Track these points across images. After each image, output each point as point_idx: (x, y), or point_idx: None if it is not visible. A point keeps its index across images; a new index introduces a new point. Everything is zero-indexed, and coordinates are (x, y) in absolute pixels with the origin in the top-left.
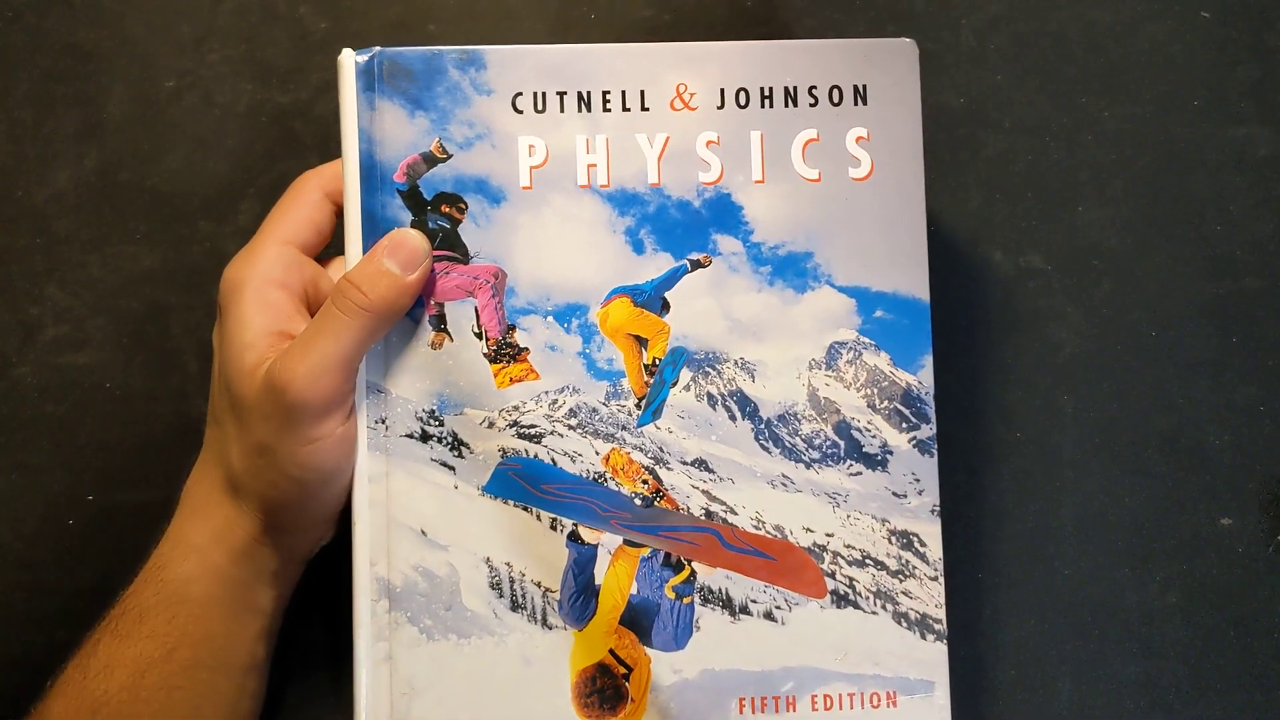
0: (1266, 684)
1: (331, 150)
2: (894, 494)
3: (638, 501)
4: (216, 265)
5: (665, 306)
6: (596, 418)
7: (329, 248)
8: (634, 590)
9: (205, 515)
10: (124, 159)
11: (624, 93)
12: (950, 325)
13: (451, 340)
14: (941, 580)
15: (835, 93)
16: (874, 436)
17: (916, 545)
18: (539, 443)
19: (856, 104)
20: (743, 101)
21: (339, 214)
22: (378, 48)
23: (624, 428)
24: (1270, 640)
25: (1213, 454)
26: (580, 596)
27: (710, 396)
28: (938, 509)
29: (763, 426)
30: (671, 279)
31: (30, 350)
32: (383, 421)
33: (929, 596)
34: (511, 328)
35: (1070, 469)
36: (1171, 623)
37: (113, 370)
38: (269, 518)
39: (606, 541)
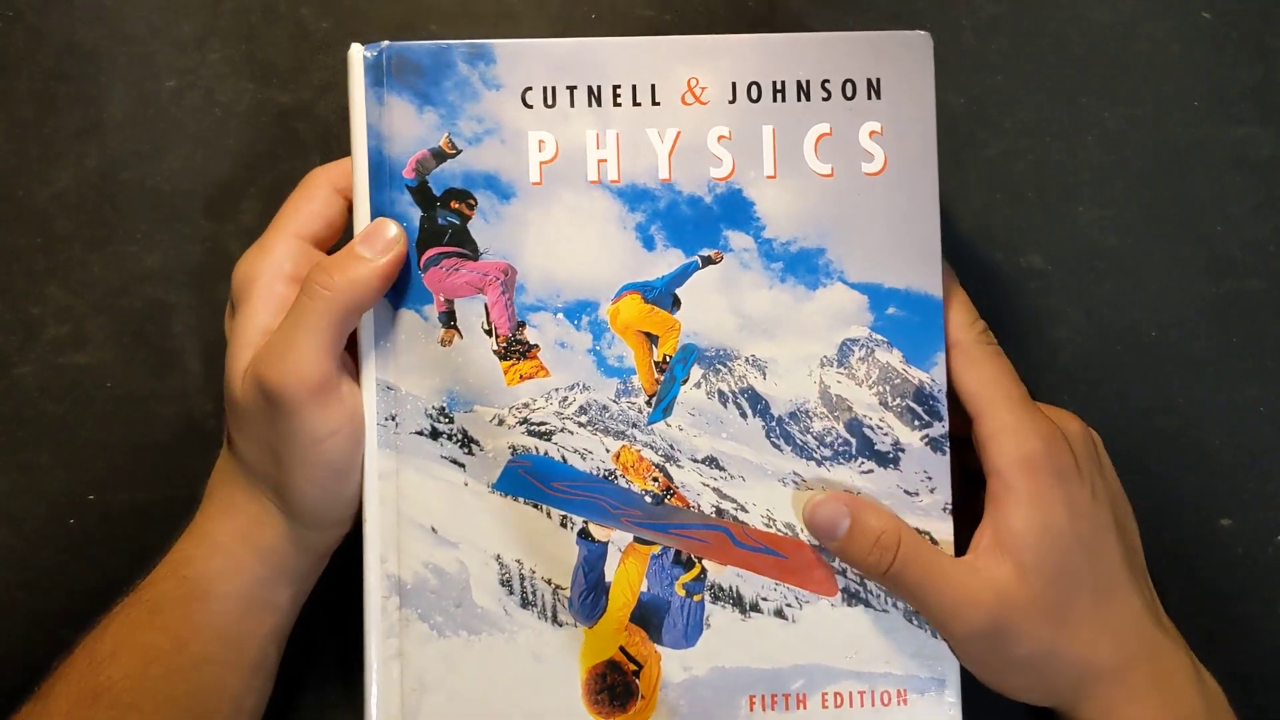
0: (1267, 684)
1: (333, 150)
2: (906, 492)
3: (648, 499)
4: (218, 264)
5: (676, 303)
6: (607, 415)
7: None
8: (644, 588)
9: (231, 514)
10: (125, 158)
11: (634, 87)
12: None
13: (461, 337)
14: None
15: (848, 86)
16: (886, 434)
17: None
18: (549, 440)
19: (870, 98)
20: (754, 96)
21: (350, 209)
22: (386, 42)
23: (634, 425)
24: (1270, 640)
25: (1213, 454)
26: (590, 594)
27: (721, 394)
28: (949, 507)
29: (774, 424)
30: (682, 275)
31: (31, 350)
32: (393, 419)
33: None
34: (521, 324)
35: None
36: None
37: (113, 370)
38: (290, 516)
39: (617, 539)
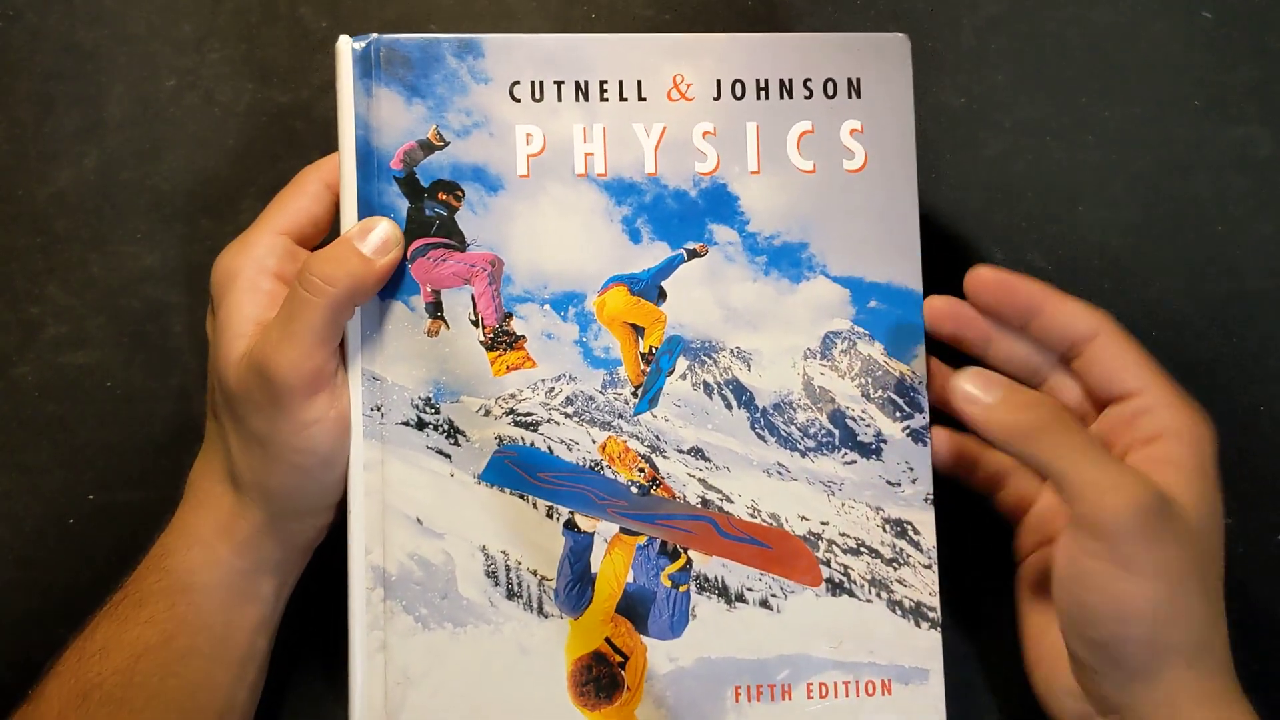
0: (1267, 684)
1: (332, 149)
2: (888, 482)
3: (634, 489)
4: None
5: (662, 295)
6: (593, 406)
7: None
8: (630, 578)
9: (210, 506)
10: (124, 158)
11: (621, 83)
12: None
13: (448, 328)
14: (935, 568)
15: (830, 85)
16: (868, 425)
17: (910, 533)
18: (535, 430)
19: (850, 97)
20: (739, 93)
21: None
22: (375, 34)
23: (620, 416)
24: (1270, 640)
25: None
26: (576, 585)
27: (706, 385)
28: (931, 497)
29: (758, 415)
30: (668, 268)
31: (30, 350)
32: (378, 409)
33: (923, 585)
34: (508, 315)
35: None
36: None
37: (113, 370)
38: (270, 506)
39: (603, 529)
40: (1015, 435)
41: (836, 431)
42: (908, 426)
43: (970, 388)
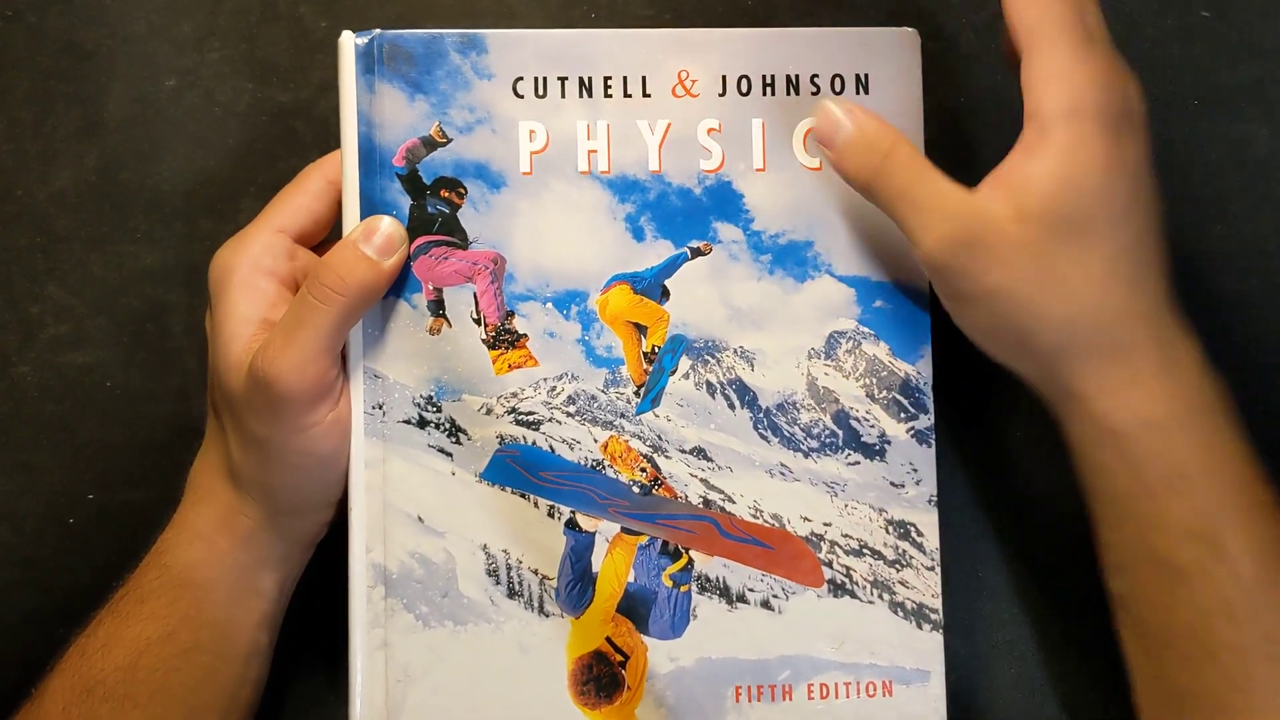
0: None
1: (332, 149)
2: (891, 484)
3: (636, 489)
4: None
5: (665, 294)
6: (595, 405)
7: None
8: (631, 578)
9: (210, 502)
10: (124, 158)
11: (625, 79)
12: (951, 325)
13: (450, 326)
14: (938, 570)
15: (837, 81)
16: (872, 426)
17: (914, 535)
18: (537, 430)
19: (858, 93)
20: (744, 89)
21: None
22: (378, 30)
23: (623, 415)
24: None
25: None
26: (577, 584)
27: (709, 385)
28: (935, 499)
29: (761, 415)
30: (671, 266)
31: (30, 349)
32: (380, 407)
33: (925, 586)
34: (510, 314)
35: (1072, 469)
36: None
37: (113, 370)
38: (270, 503)
39: (604, 529)
40: (856, 177)
41: (840, 432)
42: (912, 428)
43: (824, 120)
